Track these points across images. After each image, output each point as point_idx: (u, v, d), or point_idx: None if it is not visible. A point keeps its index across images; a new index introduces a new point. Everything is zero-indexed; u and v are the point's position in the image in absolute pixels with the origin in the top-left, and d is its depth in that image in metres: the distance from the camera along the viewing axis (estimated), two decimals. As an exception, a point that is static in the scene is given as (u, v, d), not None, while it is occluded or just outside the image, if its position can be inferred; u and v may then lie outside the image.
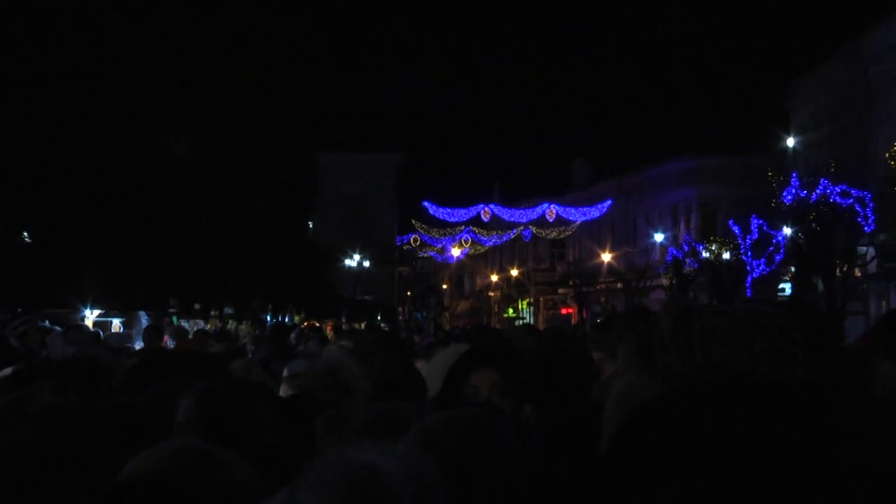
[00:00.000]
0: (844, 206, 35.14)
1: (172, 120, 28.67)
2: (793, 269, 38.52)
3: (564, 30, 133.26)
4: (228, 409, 3.68)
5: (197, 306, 30.74)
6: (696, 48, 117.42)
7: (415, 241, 72.43)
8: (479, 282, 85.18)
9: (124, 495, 2.63)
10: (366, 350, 5.50)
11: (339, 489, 2.25)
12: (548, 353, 6.26)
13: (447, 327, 51.08)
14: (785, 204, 37.39)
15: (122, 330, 24.62)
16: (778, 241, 39.39)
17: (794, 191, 36.76)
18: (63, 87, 23.99)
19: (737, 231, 42.94)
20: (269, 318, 34.13)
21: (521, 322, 58.50)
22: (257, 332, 25.53)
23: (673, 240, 57.36)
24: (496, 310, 77.86)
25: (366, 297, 54.92)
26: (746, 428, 1.90)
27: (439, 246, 73.37)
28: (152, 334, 16.89)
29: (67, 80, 24.06)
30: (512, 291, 79.28)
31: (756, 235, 41.25)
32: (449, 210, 69.62)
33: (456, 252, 74.28)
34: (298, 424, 4.24)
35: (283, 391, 6.62)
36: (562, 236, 70.72)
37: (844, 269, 35.64)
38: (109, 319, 25.40)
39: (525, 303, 78.29)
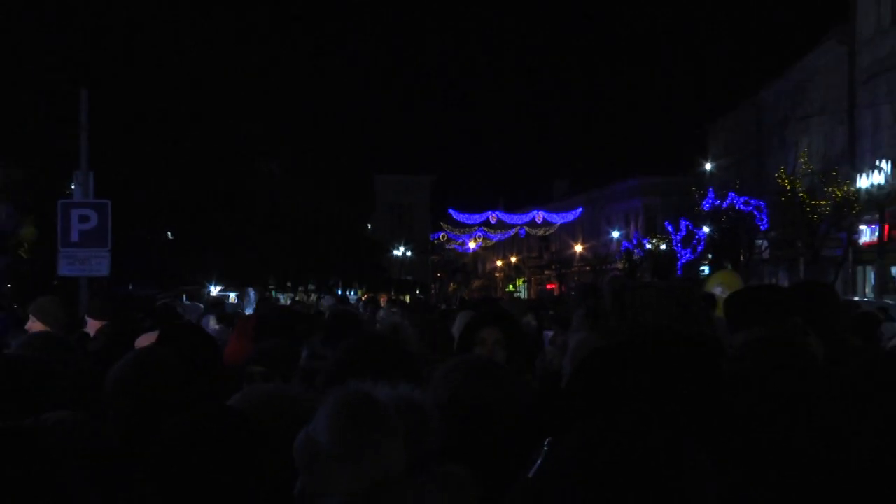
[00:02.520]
0: (746, 211, 36.08)
1: (271, 149, 29.78)
2: (710, 256, 39.58)
3: (540, 88, 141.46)
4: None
5: (289, 284, 33.12)
6: (642, 99, 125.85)
7: (443, 237, 75.74)
8: (488, 266, 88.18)
9: (219, 421, 2.45)
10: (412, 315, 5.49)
11: (339, 409, 2.25)
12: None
13: (467, 298, 52.29)
14: (704, 210, 38.61)
15: (235, 301, 25.82)
16: (699, 237, 40.64)
17: (710, 201, 38.08)
18: (198, 130, 24.85)
19: (670, 230, 44.44)
20: (339, 291, 35.18)
21: (517, 295, 62.50)
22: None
23: (625, 236, 60.78)
24: (500, 286, 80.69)
25: (408, 277, 56.90)
26: (661, 369, 2.07)
27: (460, 241, 76.95)
28: (264, 303, 16.90)
29: (202, 123, 24.90)
30: (512, 273, 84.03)
31: (684, 233, 42.41)
32: (467, 215, 74.61)
33: (472, 245, 78.42)
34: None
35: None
36: (547, 234, 75.57)
37: (746, 256, 36.94)
38: (227, 293, 26.62)
39: (521, 281, 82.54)
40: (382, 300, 26.72)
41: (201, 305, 16.67)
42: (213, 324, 10.36)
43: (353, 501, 2.16)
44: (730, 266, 37.24)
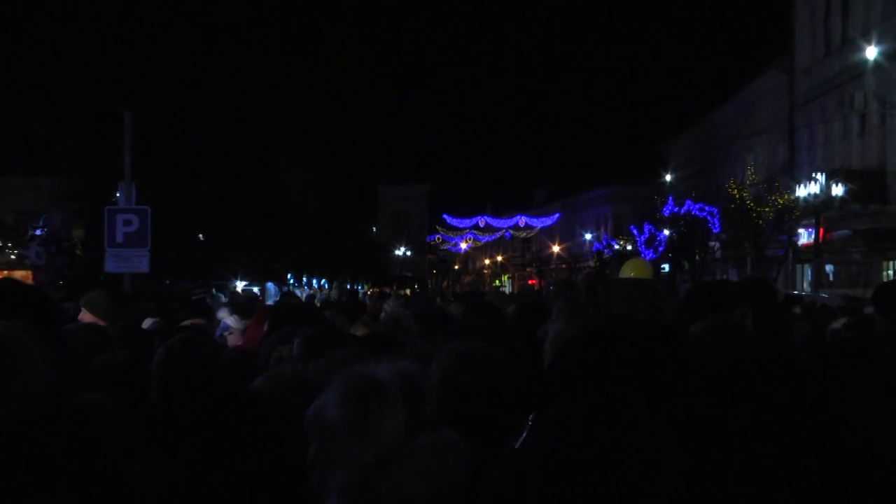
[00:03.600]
0: (700, 216, 35.96)
1: (290, 163, 29.85)
2: (670, 255, 39.52)
3: (524, 109, 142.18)
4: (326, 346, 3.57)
5: (304, 279, 33.00)
6: (611, 119, 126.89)
7: (438, 239, 75.98)
8: (478, 264, 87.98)
9: (237, 402, 2.42)
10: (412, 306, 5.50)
11: (345, 389, 2.22)
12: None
13: (458, 291, 52.89)
14: (664, 216, 38.27)
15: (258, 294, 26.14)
16: (660, 239, 40.37)
17: (670, 207, 37.71)
18: (227, 146, 25.00)
19: (635, 232, 44.18)
20: (348, 286, 35.38)
21: (502, 289, 64.14)
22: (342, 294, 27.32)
23: (597, 238, 60.50)
24: (488, 281, 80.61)
25: (408, 274, 57.34)
26: (630, 354, 2.08)
27: (453, 242, 76.82)
28: (286, 296, 16.92)
29: (230, 141, 25.06)
30: (498, 270, 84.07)
31: (647, 235, 42.07)
32: (459, 220, 75.27)
33: (463, 246, 78.51)
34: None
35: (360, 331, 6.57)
36: (528, 236, 76.17)
37: (701, 255, 36.97)
38: (250, 287, 26.68)
39: (506, 277, 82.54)
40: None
41: (222, 297, 16.67)
42: (227, 316, 10.43)
43: (360, 471, 2.14)
44: (687, 265, 37.39)
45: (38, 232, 19.79)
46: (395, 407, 2.21)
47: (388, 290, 27.84)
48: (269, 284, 28.22)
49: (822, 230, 26.76)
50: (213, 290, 20.62)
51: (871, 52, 24.47)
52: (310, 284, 33.14)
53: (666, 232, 39.16)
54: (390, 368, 2.37)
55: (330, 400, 2.21)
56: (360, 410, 2.17)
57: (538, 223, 73.57)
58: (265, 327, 4.76)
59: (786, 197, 29.90)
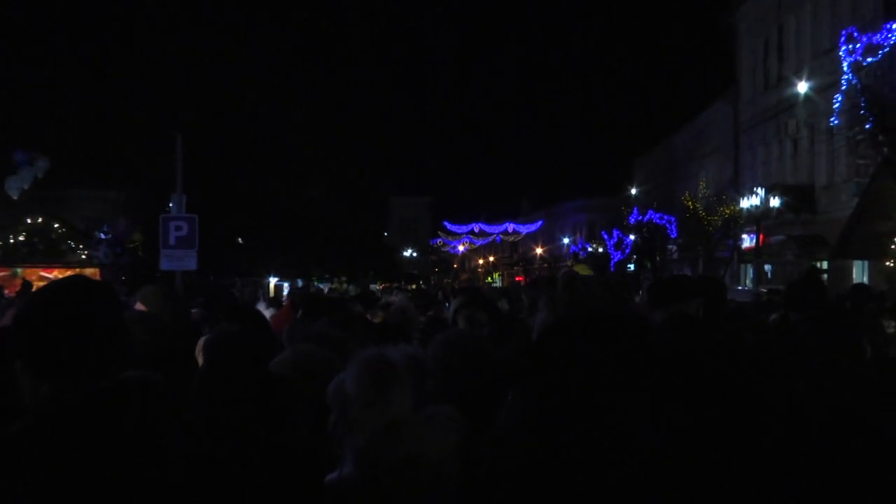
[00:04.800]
0: (661, 224, 35.89)
1: (315, 177, 29.81)
2: (634, 257, 39.45)
3: (512, 133, 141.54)
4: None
5: (327, 276, 32.97)
6: (586, 141, 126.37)
7: (440, 242, 75.87)
8: (473, 263, 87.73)
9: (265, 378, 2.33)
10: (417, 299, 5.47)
11: (362, 368, 2.25)
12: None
13: (456, 286, 52.36)
14: (630, 223, 38.28)
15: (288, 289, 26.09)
16: (627, 243, 40.25)
17: (635, 216, 37.66)
18: (262, 162, 25.14)
19: (606, 237, 44.09)
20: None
21: (494, 285, 64.34)
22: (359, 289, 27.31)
23: (573, 242, 60.00)
24: (482, 278, 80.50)
25: (413, 272, 57.24)
26: (600, 340, 2.01)
27: (453, 245, 76.64)
28: (305, 290, 16.92)
29: (264, 158, 25.20)
30: (490, 269, 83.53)
31: (616, 239, 42.09)
32: (457, 226, 74.84)
33: (461, 248, 78.31)
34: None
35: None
36: (516, 240, 75.81)
37: (661, 256, 36.88)
38: (282, 283, 26.62)
39: (497, 274, 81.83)
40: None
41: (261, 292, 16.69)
42: (264, 308, 10.41)
43: (373, 437, 2.16)
44: (649, 264, 37.30)
45: (103, 236, 19.79)
46: (403, 383, 2.22)
47: (397, 286, 27.86)
48: (298, 280, 28.25)
49: (761, 236, 26.78)
50: (239, 284, 20.59)
51: (802, 87, 24.60)
52: (330, 280, 33.10)
53: (632, 237, 39.15)
54: (400, 351, 2.37)
55: (349, 376, 2.22)
56: (375, 385, 2.18)
57: (524, 229, 73.62)
58: (288, 314, 4.73)
59: (732, 208, 29.93)
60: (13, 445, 1.47)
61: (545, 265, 64.99)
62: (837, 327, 3.49)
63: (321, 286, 28.03)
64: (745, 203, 28.32)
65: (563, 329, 2.08)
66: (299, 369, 2.59)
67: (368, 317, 6.25)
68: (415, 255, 65.01)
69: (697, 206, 32.08)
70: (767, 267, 29.02)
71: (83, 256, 22.01)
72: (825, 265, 22.60)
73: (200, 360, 3.43)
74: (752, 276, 29.78)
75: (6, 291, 15.94)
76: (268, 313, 6.27)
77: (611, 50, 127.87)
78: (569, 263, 54.38)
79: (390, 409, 2.18)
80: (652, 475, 1.79)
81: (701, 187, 34.45)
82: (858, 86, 18.20)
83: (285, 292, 20.40)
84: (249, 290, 18.73)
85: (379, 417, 2.17)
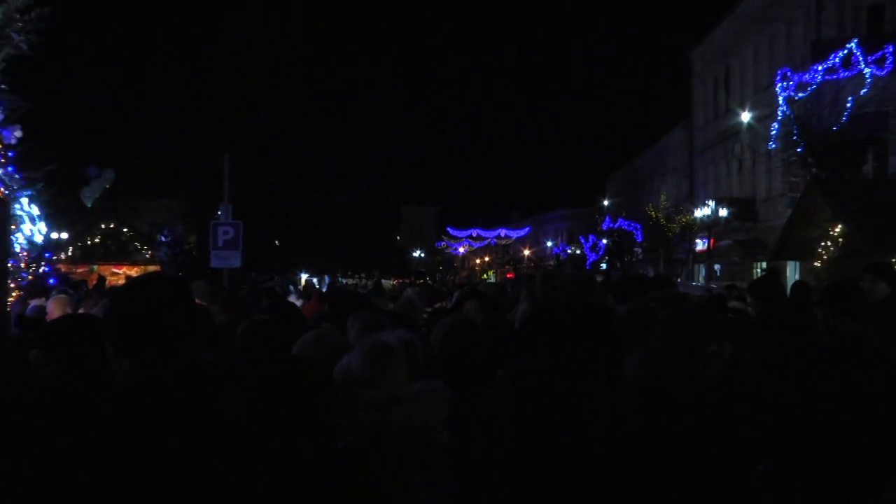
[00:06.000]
0: (628, 230, 35.74)
1: (338, 188, 29.67)
2: (607, 258, 39.23)
3: (505, 147, 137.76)
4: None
5: (348, 273, 32.62)
6: (567, 158, 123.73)
7: (444, 245, 75.85)
8: (471, 263, 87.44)
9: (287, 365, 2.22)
10: (423, 293, 5.46)
11: (364, 352, 2.20)
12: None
13: (457, 282, 51.90)
14: (603, 229, 38.09)
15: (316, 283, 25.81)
16: (600, 246, 39.98)
17: (607, 223, 37.42)
18: (295, 177, 25.08)
19: (583, 241, 43.66)
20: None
21: (489, 281, 64.05)
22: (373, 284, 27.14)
23: (556, 245, 59.14)
24: (479, 275, 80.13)
25: (421, 270, 57.04)
26: (572, 327, 2.02)
27: (455, 247, 76.52)
28: (331, 285, 16.76)
29: (297, 173, 25.13)
30: (486, 267, 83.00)
31: (591, 243, 41.75)
32: (459, 231, 74.37)
33: (462, 250, 77.83)
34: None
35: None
36: (507, 243, 74.89)
37: (628, 258, 36.64)
38: (312, 279, 26.48)
39: (491, 272, 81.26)
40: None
41: (291, 286, 16.57)
42: (296, 300, 10.37)
43: (374, 411, 2.12)
44: (618, 264, 37.15)
45: (164, 239, 19.81)
46: (400, 363, 2.18)
47: (407, 281, 27.79)
48: (326, 276, 28.16)
49: (712, 241, 26.74)
50: (276, 279, 20.31)
51: (746, 117, 24.61)
52: (351, 277, 32.91)
53: (604, 241, 38.99)
54: (397, 336, 2.34)
55: (354, 358, 2.19)
56: (376, 365, 2.14)
57: (514, 234, 73.32)
58: (315, 305, 4.70)
59: (687, 217, 29.88)
60: (100, 412, 1.50)
61: (532, 264, 64.81)
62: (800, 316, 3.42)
63: (343, 281, 28.00)
64: (699, 213, 28.30)
65: (540, 317, 2.11)
66: (320, 351, 2.56)
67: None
68: (423, 255, 65.00)
69: (659, 215, 31.97)
70: (717, 266, 29.02)
71: (147, 256, 22.08)
72: (764, 265, 22.58)
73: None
74: (703, 274, 29.72)
75: (88, 284, 16.00)
76: (298, 303, 6.29)
77: (588, 83, 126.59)
78: (552, 263, 54.22)
79: (388, 386, 2.13)
80: (616, 437, 1.80)
81: (662, 200, 34.36)
82: (791, 116, 18.53)
83: (315, 286, 20.27)
84: (283, 284, 18.56)
85: (378, 394, 2.12)
